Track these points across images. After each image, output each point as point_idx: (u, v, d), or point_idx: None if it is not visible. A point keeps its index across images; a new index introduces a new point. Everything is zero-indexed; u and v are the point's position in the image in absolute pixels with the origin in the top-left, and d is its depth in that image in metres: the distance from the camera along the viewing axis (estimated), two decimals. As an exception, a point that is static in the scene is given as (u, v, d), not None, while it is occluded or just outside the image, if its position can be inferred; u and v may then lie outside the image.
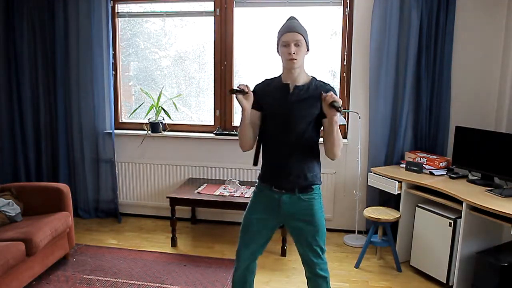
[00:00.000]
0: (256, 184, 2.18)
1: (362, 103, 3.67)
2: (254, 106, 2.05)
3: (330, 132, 1.91)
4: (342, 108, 1.86)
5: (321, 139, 2.04)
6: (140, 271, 3.13)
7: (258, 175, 2.17)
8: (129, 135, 4.15)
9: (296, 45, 1.94)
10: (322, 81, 2.05)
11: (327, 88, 1.99)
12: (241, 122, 2.02)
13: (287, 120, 1.98)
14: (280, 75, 2.09)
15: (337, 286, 2.97)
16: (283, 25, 2.00)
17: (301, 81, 2.02)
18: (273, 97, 2.04)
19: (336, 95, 1.92)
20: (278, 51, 2.02)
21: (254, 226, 2.12)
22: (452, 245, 2.83)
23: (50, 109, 4.09)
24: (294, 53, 1.94)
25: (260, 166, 2.16)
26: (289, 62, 1.96)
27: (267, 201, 2.09)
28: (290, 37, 1.94)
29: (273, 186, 2.06)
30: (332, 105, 1.83)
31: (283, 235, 3.40)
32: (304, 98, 1.98)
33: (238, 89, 1.99)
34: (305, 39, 1.97)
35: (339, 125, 3.85)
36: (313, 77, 2.06)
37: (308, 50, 2.01)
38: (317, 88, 1.99)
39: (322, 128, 2.03)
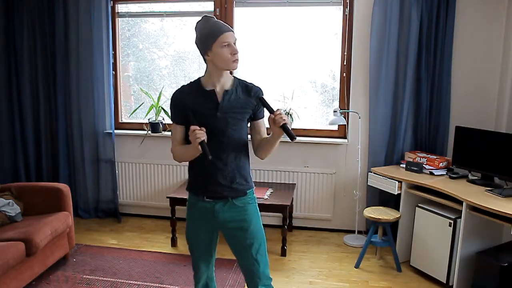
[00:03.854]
0: (187, 198, 2.01)
1: (362, 103, 3.67)
2: (179, 122, 1.91)
3: (273, 144, 1.85)
4: (289, 130, 1.73)
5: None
6: (140, 271, 3.13)
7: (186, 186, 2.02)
8: (129, 135, 4.15)
9: (234, 44, 1.82)
10: (245, 81, 1.94)
11: (256, 89, 1.91)
12: (189, 155, 1.85)
13: (219, 128, 1.83)
14: (198, 80, 1.94)
15: (337, 286, 2.97)
16: (213, 25, 1.78)
17: (227, 85, 1.88)
18: (201, 106, 1.86)
19: (263, 94, 1.89)
20: (206, 55, 1.82)
21: (201, 243, 2.05)
22: (452, 245, 2.83)
23: (50, 109, 4.09)
24: (237, 53, 1.81)
25: (187, 178, 2.01)
26: (233, 64, 1.80)
27: (201, 213, 1.95)
28: (232, 36, 1.79)
29: (205, 196, 1.91)
30: (283, 127, 1.72)
31: (283, 235, 3.40)
32: (235, 103, 1.86)
33: (205, 146, 1.73)
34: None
35: (340, 125, 3.86)
36: (234, 77, 1.94)
37: None
38: (246, 89, 1.90)
39: (249, 126, 1.96)
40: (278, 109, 1.76)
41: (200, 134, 1.71)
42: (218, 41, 1.77)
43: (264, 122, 1.94)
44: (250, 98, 1.89)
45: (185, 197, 3.58)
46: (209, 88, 1.89)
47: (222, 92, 1.87)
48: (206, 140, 1.72)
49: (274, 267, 3.24)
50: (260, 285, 1.98)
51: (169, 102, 4.25)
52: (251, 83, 1.94)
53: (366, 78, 3.61)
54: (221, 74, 1.86)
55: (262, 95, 1.90)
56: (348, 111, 3.68)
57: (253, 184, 2.01)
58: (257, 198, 3.41)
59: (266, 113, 1.86)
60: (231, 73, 1.95)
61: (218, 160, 1.86)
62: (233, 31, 1.82)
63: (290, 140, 1.74)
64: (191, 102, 1.89)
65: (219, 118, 1.84)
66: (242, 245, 1.98)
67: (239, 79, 1.95)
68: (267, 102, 1.81)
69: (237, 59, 1.82)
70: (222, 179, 1.89)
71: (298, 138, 3.83)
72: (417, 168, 3.25)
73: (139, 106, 4.19)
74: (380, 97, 3.54)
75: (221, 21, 1.83)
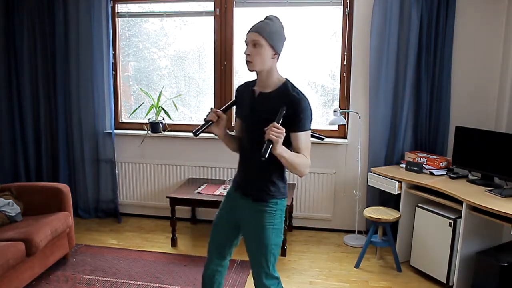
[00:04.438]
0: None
1: (362, 103, 3.67)
2: (237, 114, 2.05)
3: (280, 158, 1.75)
4: (268, 147, 1.64)
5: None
6: (140, 271, 3.13)
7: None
8: (129, 135, 4.15)
9: (254, 46, 1.81)
10: (290, 89, 1.83)
11: (290, 99, 1.79)
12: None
13: (249, 129, 1.91)
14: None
15: (337, 286, 2.97)
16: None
17: (269, 87, 1.87)
18: (243, 101, 1.97)
19: (302, 107, 1.77)
20: None
21: (219, 230, 2.10)
22: (452, 245, 2.84)
23: (50, 109, 4.09)
24: (249, 54, 1.82)
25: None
26: (246, 63, 1.85)
27: (231, 201, 2.08)
28: (249, 37, 1.82)
29: (236, 188, 2.05)
30: (267, 142, 1.66)
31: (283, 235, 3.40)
32: (266, 108, 1.83)
33: (205, 124, 1.90)
34: (268, 41, 1.80)
35: (340, 125, 3.86)
36: (285, 82, 1.87)
37: (276, 54, 1.84)
38: (282, 97, 1.82)
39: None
40: (274, 125, 1.67)
41: (210, 114, 1.92)
42: (245, 40, 1.86)
43: (302, 136, 1.81)
44: (286, 108, 1.78)
45: (185, 197, 3.61)
46: (255, 88, 1.94)
47: (258, 94, 1.91)
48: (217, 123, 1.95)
49: (274, 267, 3.24)
50: (258, 283, 2.04)
51: (169, 102, 4.26)
52: (297, 94, 1.81)
53: (366, 78, 3.61)
54: (258, 74, 1.89)
55: (302, 111, 1.77)
56: (348, 111, 3.68)
57: (280, 195, 1.93)
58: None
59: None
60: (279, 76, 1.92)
61: (248, 158, 1.96)
62: (256, 31, 1.80)
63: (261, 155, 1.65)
64: (240, 96, 2.03)
65: (250, 117, 1.92)
66: (250, 249, 2.02)
67: (289, 84, 1.86)
68: (280, 114, 1.73)
69: (248, 61, 1.83)
70: (247, 177, 1.98)
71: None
72: (417, 168, 3.25)
73: (139, 106, 4.19)
74: (380, 97, 3.54)
75: (263, 21, 1.85)
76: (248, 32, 1.83)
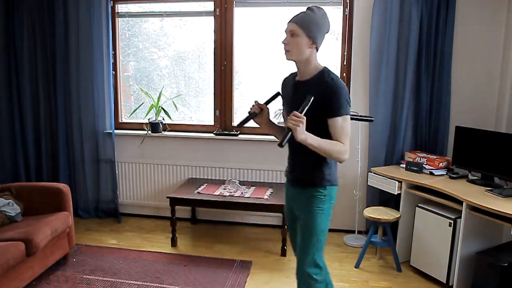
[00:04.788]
0: None
1: (362, 103, 3.67)
2: (282, 104, 2.12)
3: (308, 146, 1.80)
4: (286, 136, 1.71)
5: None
6: (140, 271, 3.13)
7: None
8: (129, 135, 4.15)
9: (292, 35, 1.87)
10: (326, 76, 1.86)
11: (324, 86, 1.83)
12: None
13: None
14: None
15: (337, 286, 2.97)
16: None
17: (307, 75, 1.93)
18: (286, 91, 2.06)
19: (335, 91, 1.80)
20: None
21: (289, 220, 2.20)
22: (452, 245, 2.83)
23: (50, 109, 4.09)
24: (285, 44, 1.90)
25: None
26: (284, 52, 1.92)
27: (287, 195, 2.17)
28: (287, 27, 1.91)
29: (287, 180, 2.13)
30: (287, 130, 1.72)
31: (283, 235, 3.40)
32: (303, 95, 1.84)
33: (249, 116, 2.02)
34: (304, 30, 1.84)
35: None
36: (322, 69, 1.91)
37: (313, 43, 1.87)
38: (317, 84, 1.86)
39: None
40: (294, 113, 1.73)
41: (253, 106, 2.02)
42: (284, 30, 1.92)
43: (337, 121, 1.82)
44: (320, 94, 1.81)
45: (185, 197, 3.61)
46: (296, 77, 2.00)
47: (296, 82, 1.98)
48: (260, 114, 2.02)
49: (274, 267, 3.25)
50: (299, 269, 2.06)
51: (168, 102, 4.25)
52: (331, 80, 1.84)
53: (366, 78, 3.61)
54: (297, 64, 1.95)
55: (335, 95, 1.80)
56: (348, 111, 3.67)
57: (327, 182, 1.96)
58: (257, 198, 3.45)
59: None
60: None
61: (292, 147, 2.02)
62: (294, 22, 1.87)
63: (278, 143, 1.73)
64: (284, 87, 2.10)
65: (290, 106, 1.94)
66: (298, 234, 2.06)
67: (324, 71, 1.90)
68: (305, 102, 1.78)
69: (285, 50, 1.90)
70: (294, 166, 2.05)
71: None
72: (417, 168, 3.25)
73: (139, 106, 4.19)
74: (380, 97, 3.54)
75: (302, 12, 1.90)
76: (288, 22, 1.90)
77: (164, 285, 2.94)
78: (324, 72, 1.89)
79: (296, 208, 2.08)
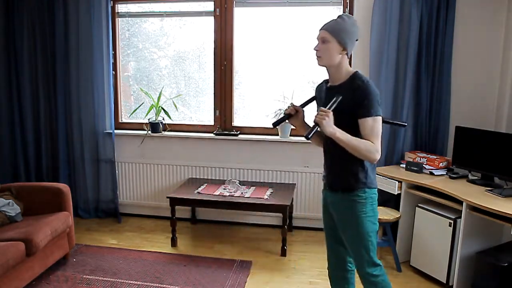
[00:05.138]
0: None
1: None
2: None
3: (337, 141, 1.87)
4: (313, 129, 1.81)
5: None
6: (140, 271, 3.13)
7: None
8: (129, 135, 4.15)
9: (323, 42, 1.95)
10: (356, 79, 1.93)
11: (355, 87, 1.90)
12: None
13: None
14: None
15: (337, 286, 2.97)
16: None
17: (339, 80, 2.00)
18: (320, 97, 2.12)
19: (365, 93, 1.87)
20: None
21: (325, 225, 2.23)
22: (452, 245, 2.83)
23: (50, 109, 4.09)
24: (317, 50, 1.96)
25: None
26: (316, 58, 1.99)
27: (324, 198, 2.19)
28: (319, 34, 1.98)
29: (325, 185, 2.16)
30: (314, 124, 1.83)
31: (283, 235, 3.40)
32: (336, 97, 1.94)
33: (284, 116, 2.13)
34: (335, 37, 1.92)
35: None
36: (354, 74, 1.97)
37: (344, 49, 1.94)
38: (348, 87, 1.94)
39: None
40: (320, 109, 1.83)
41: (289, 108, 2.10)
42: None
43: (367, 122, 1.88)
44: (351, 96, 1.90)
45: (185, 197, 3.61)
46: (329, 82, 2.06)
47: (329, 87, 2.05)
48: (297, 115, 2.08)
49: (274, 267, 3.25)
50: (360, 272, 2.09)
51: (168, 102, 4.25)
52: (362, 82, 1.91)
53: (366, 78, 3.61)
54: (328, 69, 2.01)
55: (365, 97, 1.87)
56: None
57: (366, 185, 2.02)
58: (257, 198, 3.45)
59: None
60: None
61: (328, 152, 2.07)
62: (325, 29, 1.95)
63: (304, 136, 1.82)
64: (318, 93, 2.16)
65: None
66: (345, 240, 2.11)
67: (356, 75, 1.96)
68: (333, 102, 1.88)
69: (317, 56, 1.97)
70: (332, 171, 2.08)
71: (298, 138, 3.85)
72: (417, 168, 3.25)
73: (139, 106, 4.19)
74: (380, 97, 3.53)
75: (333, 20, 1.97)
76: (319, 29, 1.98)
77: (164, 285, 2.94)
78: (356, 76, 1.96)
79: (337, 215, 2.10)
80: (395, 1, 3.38)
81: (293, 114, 2.11)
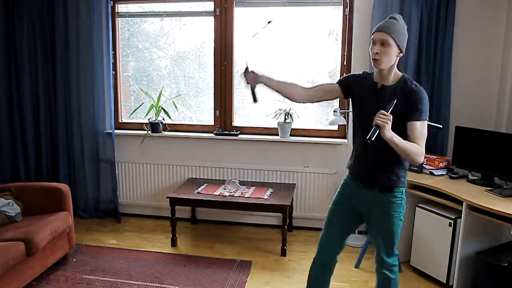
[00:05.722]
0: (346, 174, 2.24)
1: (362, 103, 3.66)
2: (340, 84, 2.16)
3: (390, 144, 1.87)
4: (374, 132, 1.82)
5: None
6: (140, 271, 3.13)
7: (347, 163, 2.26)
8: (129, 135, 4.15)
9: (382, 45, 1.92)
10: (409, 82, 1.96)
11: (410, 91, 1.93)
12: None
13: (369, 117, 1.91)
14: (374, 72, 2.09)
15: (337, 286, 2.97)
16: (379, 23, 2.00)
17: (390, 81, 2.00)
18: (362, 92, 2.08)
19: (420, 98, 1.90)
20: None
21: (338, 214, 2.22)
22: (452, 245, 2.83)
23: (50, 109, 4.09)
24: (377, 53, 1.93)
25: (349, 156, 2.25)
26: (373, 61, 1.97)
27: (352, 193, 2.17)
28: (377, 36, 1.94)
29: (358, 180, 2.14)
30: (375, 126, 1.83)
31: (283, 235, 3.40)
32: (389, 99, 1.94)
33: (252, 89, 2.19)
34: (395, 40, 1.91)
35: (340, 125, 3.85)
36: (403, 76, 2.01)
37: (401, 52, 1.96)
38: (402, 89, 1.95)
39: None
40: (381, 112, 1.82)
41: (246, 79, 2.21)
42: (372, 38, 1.97)
43: (417, 125, 1.92)
44: (405, 99, 1.92)
45: (185, 197, 3.61)
46: (375, 81, 2.05)
47: (380, 86, 2.02)
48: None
49: (274, 267, 3.25)
50: (381, 262, 2.16)
51: (168, 102, 4.23)
52: (415, 86, 1.95)
53: (366, 78, 3.61)
54: (380, 69, 1.99)
55: (420, 101, 1.91)
56: (348, 111, 3.67)
57: (402, 184, 2.07)
58: (257, 198, 3.45)
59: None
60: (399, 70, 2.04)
61: (369, 149, 2.01)
62: (384, 31, 1.91)
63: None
64: (359, 84, 2.12)
65: (369, 108, 1.96)
66: (373, 233, 2.18)
67: (407, 78, 1.99)
68: (391, 104, 1.89)
69: (376, 59, 1.93)
70: (369, 169, 2.08)
71: (298, 138, 3.85)
72: (417, 168, 3.25)
73: (139, 106, 4.18)
74: (380, 97, 3.53)
75: (389, 21, 1.96)
76: (376, 31, 1.95)
77: (164, 285, 2.94)
78: (407, 79, 1.99)
79: (370, 211, 2.12)
80: (395, 1, 3.38)
81: (255, 81, 2.16)
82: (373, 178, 2.08)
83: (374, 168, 2.07)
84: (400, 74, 2.02)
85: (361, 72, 2.21)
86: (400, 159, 2.02)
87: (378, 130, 1.82)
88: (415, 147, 1.89)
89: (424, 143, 1.94)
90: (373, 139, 1.82)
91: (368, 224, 2.19)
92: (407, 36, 1.99)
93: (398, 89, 1.96)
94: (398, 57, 1.97)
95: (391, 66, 1.97)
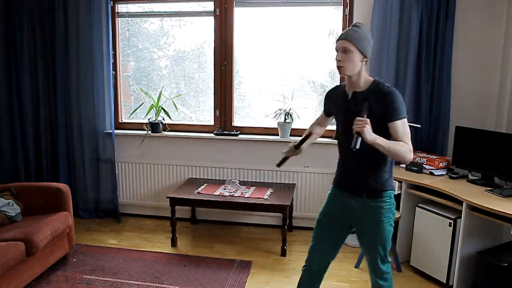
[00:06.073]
0: (331, 185, 2.25)
1: (362, 103, 3.66)
2: (324, 111, 2.31)
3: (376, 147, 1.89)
4: (357, 140, 1.84)
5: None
6: (140, 271, 3.13)
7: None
8: (129, 135, 4.15)
9: (344, 52, 1.95)
10: (380, 85, 1.98)
11: (382, 93, 1.94)
12: None
13: (348, 128, 1.93)
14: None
15: (337, 286, 2.97)
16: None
17: (361, 87, 2.02)
18: (337, 104, 2.14)
19: (394, 98, 1.92)
20: None
21: (328, 226, 2.21)
22: (452, 245, 2.84)
23: (50, 109, 4.09)
24: (340, 60, 1.97)
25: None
26: (337, 69, 2.01)
27: (339, 204, 2.16)
28: (339, 44, 1.98)
29: (344, 189, 2.14)
30: (356, 134, 1.85)
31: (283, 235, 3.40)
32: (362, 104, 1.95)
33: (285, 158, 2.30)
34: (357, 46, 1.94)
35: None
36: (374, 80, 2.02)
37: (365, 57, 1.98)
38: (374, 93, 1.97)
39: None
40: (356, 118, 1.85)
41: (289, 151, 2.28)
42: (335, 48, 2.02)
43: (398, 124, 1.93)
44: (379, 101, 1.94)
45: (185, 197, 3.61)
46: (346, 89, 2.09)
47: (352, 94, 2.04)
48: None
49: (274, 267, 3.25)
50: (374, 269, 2.14)
51: (168, 102, 4.24)
52: (388, 88, 1.96)
53: (366, 78, 3.61)
54: (348, 77, 2.03)
55: (394, 101, 1.92)
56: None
57: (390, 187, 2.07)
58: (257, 198, 3.45)
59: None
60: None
61: (351, 157, 2.03)
62: (345, 39, 1.96)
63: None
64: (333, 97, 2.20)
65: (347, 117, 1.99)
66: (364, 240, 2.17)
67: (379, 82, 2.00)
68: (364, 109, 1.91)
69: (339, 66, 1.98)
70: (354, 176, 2.09)
71: (298, 138, 3.82)
72: (417, 168, 3.25)
73: (139, 106, 4.18)
74: (380, 97, 3.54)
75: (350, 29, 1.99)
76: (338, 40, 2.00)
77: (164, 285, 2.94)
78: (379, 83, 2.01)
79: (359, 219, 2.11)
80: (395, 2, 3.38)
81: (292, 155, 2.24)
82: (359, 185, 2.07)
83: (359, 174, 2.07)
84: (371, 79, 2.03)
85: (334, 86, 2.27)
86: (384, 162, 2.03)
87: (360, 137, 1.83)
88: (402, 145, 1.91)
89: (410, 140, 1.95)
90: (357, 147, 1.83)
91: (359, 233, 2.17)
92: (371, 42, 2.01)
93: (371, 93, 1.98)
94: (363, 63, 1.99)
95: (359, 72, 1.99)
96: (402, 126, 1.94)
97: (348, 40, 1.95)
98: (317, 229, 2.24)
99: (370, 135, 1.83)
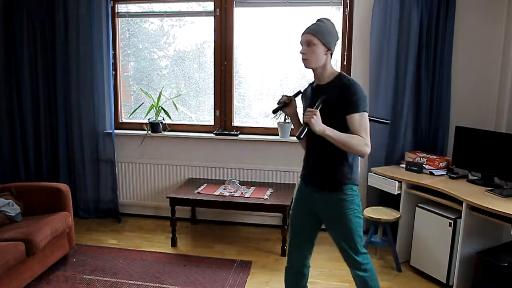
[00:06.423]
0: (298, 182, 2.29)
1: (362, 103, 3.66)
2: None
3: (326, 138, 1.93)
4: (304, 130, 1.88)
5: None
6: (140, 271, 3.14)
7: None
8: (129, 135, 4.15)
9: (308, 45, 2.01)
10: (342, 78, 2.03)
11: (342, 85, 1.98)
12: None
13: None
14: None
15: (337, 286, 2.97)
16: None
17: (325, 80, 2.07)
18: (306, 98, 2.20)
19: (354, 91, 1.95)
20: None
21: (299, 221, 2.23)
22: (452, 245, 2.84)
23: (50, 109, 4.09)
24: (304, 53, 2.02)
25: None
26: (302, 62, 2.05)
27: (305, 198, 2.19)
28: (303, 38, 2.04)
29: (308, 183, 2.16)
30: (304, 124, 1.89)
31: (283, 235, 3.40)
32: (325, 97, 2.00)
33: (279, 105, 2.19)
34: (320, 39, 2.00)
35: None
36: (339, 73, 2.07)
37: (328, 50, 2.03)
38: (336, 86, 2.01)
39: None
40: (309, 109, 1.90)
41: (282, 97, 2.18)
42: (300, 42, 2.06)
43: (355, 117, 1.96)
44: (340, 93, 1.98)
45: (185, 197, 3.61)
46: (314, 83, 2.16)
47: (315, 86, 2.12)
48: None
49: (274, 267, 3.25)
50: (352, 263, 2.15)
51: (168, 102, 4.25)
52: (348, 81, 2.01)
53: (366, 78, 3.61)
54: (314, 70, 2.09)
55: (354, 94, 1.95)
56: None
57: (351, 181, 2.07)
58: (257, 198, 3.45)
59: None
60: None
61: (313, 151, 2.11)
62: (309, 33, 2.01)
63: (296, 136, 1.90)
64: (304, 97, 2.24)
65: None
66: (333, 235, 2.17)
67: (342, 75, 2.06)
68: (319, 103, 1.95)
69: (304, 59, 2.03)
70: (316, 170, 2.11)
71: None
72: (417, 168, 3.25)
73: (139, 106, 4.19)
74: (380, 97, 3.54)
75: (314, 23, 2.05)
76: (302, 34, 2.05)
77: (164, 285, 2.94)
78: (341, 76, 2.06)
79: (326, 215, 2.14)
80: (395, 1, 3.38)
81: (288, 103, 2.19)
82: (321, 179, 2.10)
83: (320, 168, 2.10)
84: (336, 72, 2.08)
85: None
86: (344, 156, 2.04)
87: (307, 127, 1.87)
88: (355, 138, 1.93)
89: (367, 134, 1.98)
90: (302, 136, 1.87)
91: (327, 227, 2.18)
92: (336, 37, 2.06)
93: (332, 85, 2.03)
94: (327, 56, 2.04)
95: (323, 65, 2.05)
96: (360, 120, 1.96)
97: (311, 33, 2.00)
98: (290, 226, 2.27)
99: (318, 125, 1.87)
